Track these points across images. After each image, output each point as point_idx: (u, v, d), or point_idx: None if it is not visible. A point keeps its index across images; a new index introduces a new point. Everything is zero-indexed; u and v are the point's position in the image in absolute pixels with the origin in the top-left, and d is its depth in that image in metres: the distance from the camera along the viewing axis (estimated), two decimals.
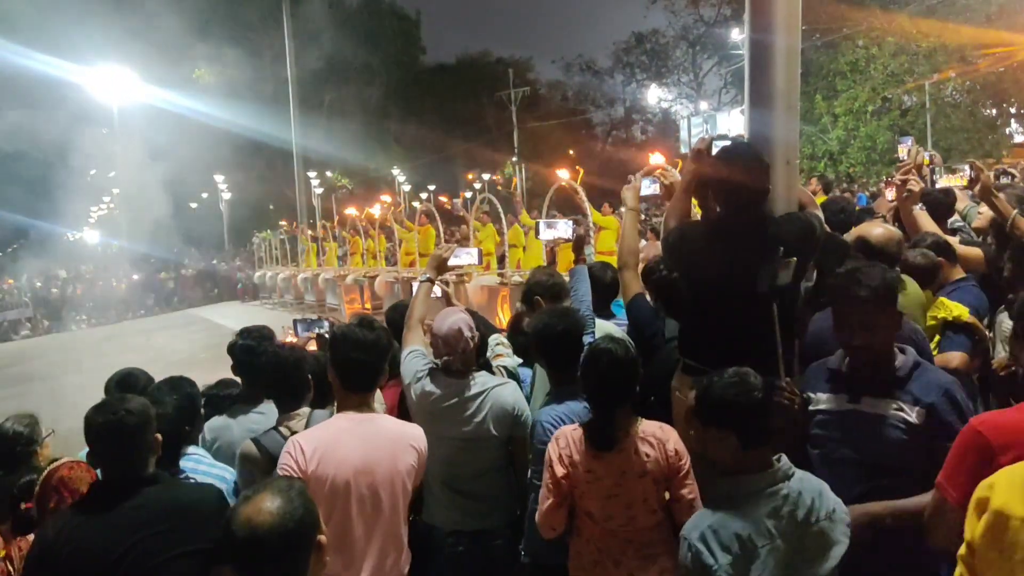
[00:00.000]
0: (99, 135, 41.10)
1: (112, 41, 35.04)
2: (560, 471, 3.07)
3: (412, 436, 3.11)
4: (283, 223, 28.89)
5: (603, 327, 3.79)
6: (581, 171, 19.51)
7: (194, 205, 49.00)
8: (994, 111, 32.21)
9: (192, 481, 3.25)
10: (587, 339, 3.55)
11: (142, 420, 2.73)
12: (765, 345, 3.35)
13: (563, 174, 16.80)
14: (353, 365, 3.07)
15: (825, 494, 2.62)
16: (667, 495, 3.09)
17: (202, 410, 3.74)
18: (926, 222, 4.52)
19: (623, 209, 4.55)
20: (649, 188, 4.19)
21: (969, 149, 28.57)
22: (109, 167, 43.47)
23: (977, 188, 4.23)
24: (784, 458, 2.65)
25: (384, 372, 3.15)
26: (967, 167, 4.31)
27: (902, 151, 4.66)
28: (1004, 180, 5.26)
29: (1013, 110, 33.22)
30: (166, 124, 37.22)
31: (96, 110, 38.25)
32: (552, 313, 3.54)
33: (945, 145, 27.84)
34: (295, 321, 4.36)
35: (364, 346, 3.04)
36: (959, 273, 4.11)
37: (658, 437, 3.09)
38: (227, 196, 43.84)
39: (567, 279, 4.19)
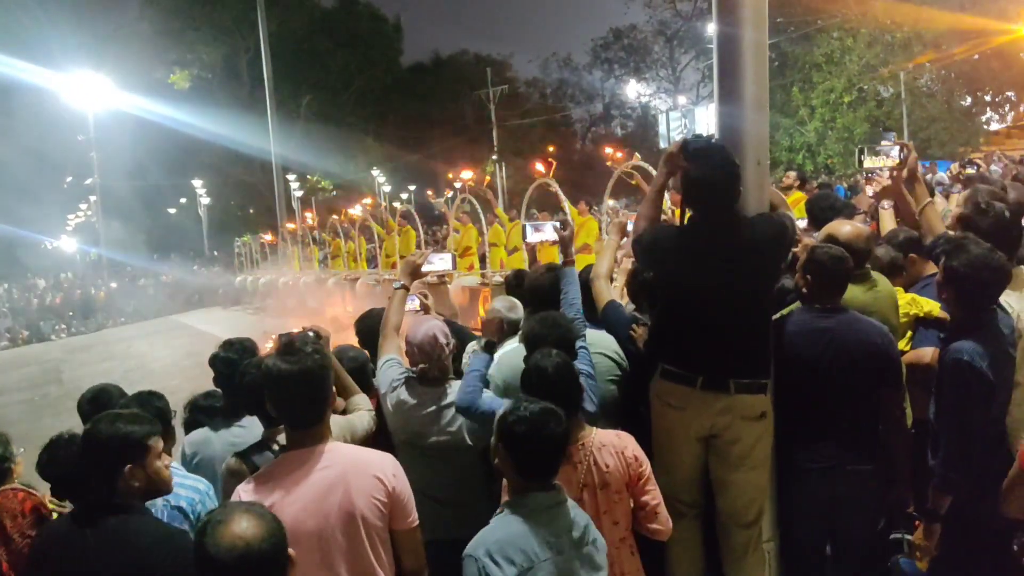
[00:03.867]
0: (74, 142, 40.78)
1: (86, 47, 34.82)
2: None
3: (372, 464, 2.72)
4: (269, 236, 28.66)
5: (595, 338, 3.69)
6: (554, 164, 19.53)
7: (172, 211, 48.69)
8: (969, 99, 32.49)
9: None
10: (579, 344, 3.45)
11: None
12: (746, 346, 3.38)
13: (540, 168, 16.81)
14: (280, 402, 2.75)
15: (591, 524, 2.74)
16: (631, 503, 3.06)
17: (172, 422, 3.69)
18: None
19: (604, 222, 4.59)
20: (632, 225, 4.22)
21: (947, 139, 28.81)
22: (85, 174, 43.10)
23: (904, 171, 4.25)
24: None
25: (324, 399, 2.76)
26: (895, 148, 4.29)
27: (885, 143, 4.62)
28: (970, 170, 5.27)
29: (988, 98, 33.52)
30: (142, 130, 36.97)
31: (71, 116, 37.93)
32: (543, 322, 3.40)
33: (924, 136, 28.06)
34: (280, 336, 4.30)
35: (286, 380, 2.68)
36: (931, 269, 4.13)
37: (616, 445, 3.06)
38: (206, 201, 43.55)
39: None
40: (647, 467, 3.07)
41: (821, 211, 4.95)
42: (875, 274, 3.87)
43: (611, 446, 3.05)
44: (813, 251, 3.52)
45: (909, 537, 3.51)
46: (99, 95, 35.08)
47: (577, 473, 3.00)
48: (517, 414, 2.67)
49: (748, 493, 3.44)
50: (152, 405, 3.66)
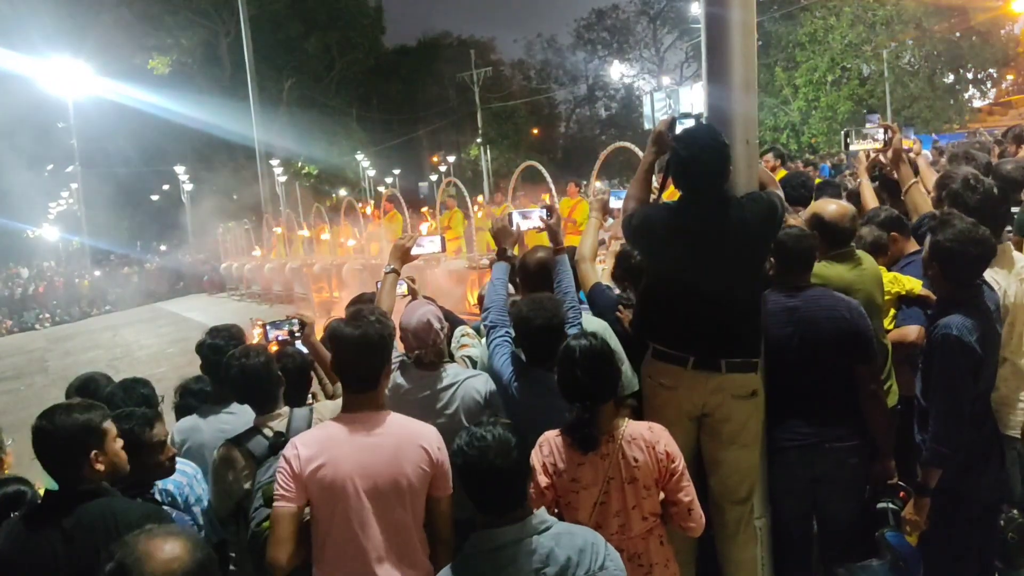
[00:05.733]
0: (55, 129, 40.37)
1: (64, 33, 34.37)
2: (544, 481, 2.93)
3: (421, 436, 2.90)
4: (254, 220, 28.50)
5: (589, 324, 3.65)
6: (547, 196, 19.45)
7: (155, 198, 48.33)
8: (952, 77, 32.61)
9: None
10: (572, 330, 3.42)
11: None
12: (737, 325, 3.40)
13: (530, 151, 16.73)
14: (342, 365, 2.96)
15: (590, 551, 2.45)
16: (662, 496, 2.97)
17: (159, 408, 3.69)
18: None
19: (590, 202, 4.58)
20: (617, 201, 4.20)
21: (931, 116, 28.94)
22: (66, 161, 42.71)
23: (889, 153, 4.26)
24: (541, 511, 2.52)
25: (379, 366, 2.94)
26: (881, 131, 4.30)
27: (869, 126, 4.64)
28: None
29: (970, 75, 33.66)
30: (123, 116, 36.62)
31: (51, 103, 37.53)
32: (531, 305, 3.39)
33: (907, 114, 28.17)
34: (265, 325, 4.28)
35: (348, 344, 2.89)
36: (913, 246, 4.16)
37: (647, 439, 2.94)
38: (189, 188, 43.26)
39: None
40: (680, 463, 2.95)
41: (793, 189, 5.02)
42: (860, 252, 3.90)
43: (642, 439, 2.94)
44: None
45: (894, 507, 3.54)
46: (78, 81, 34.74)
47: (604, 465, 2.92)
48: (462, 442, 2.48)
49: (740, 471, 3.47)
50: (138, 392, 3.66)
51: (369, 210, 19.91)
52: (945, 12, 27.60)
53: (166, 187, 47.22)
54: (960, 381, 3.16)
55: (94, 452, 2.66)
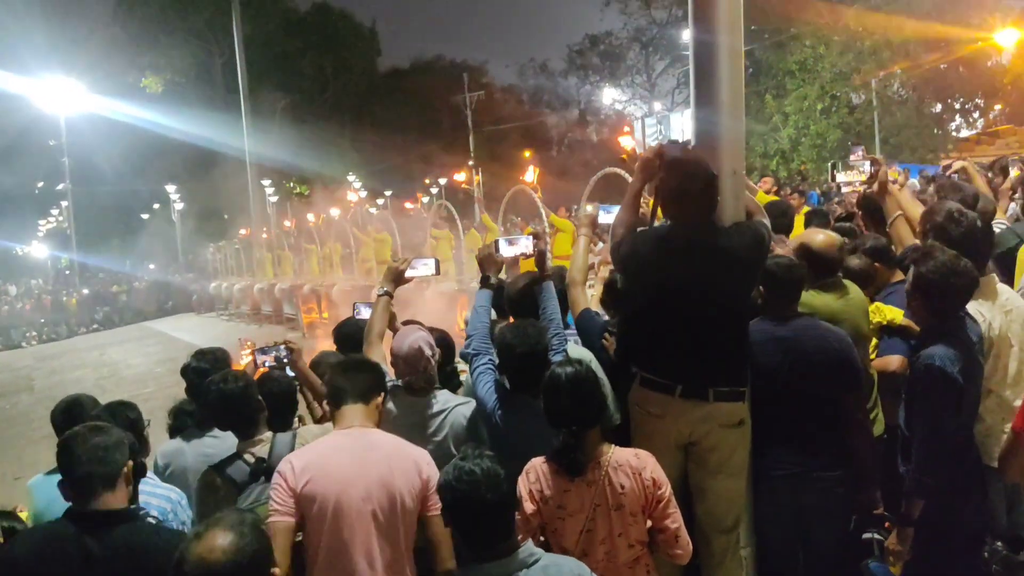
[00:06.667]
0: (46, 146, 40.30)
1: (57, 51, 34.42)
2: (530, 508, 2.92)
3: (414, 454, 2.97)
4: (243, 231, 28.50)
5: (576, 353, 3.67)
6: (538, 171, 19.56)
7: (146, 216, 48.23)
8: (939, 107, 32.92)
9: (157, 522, 3.17)
10: (557, 358, 3.45)
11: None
12: (725, 354, 3.41)
13: (529, 176, 16.80)
14: (336, 380, 3.07)
15: None
16: (648, 524, 2.96)
17: (145, 432, 3.67)
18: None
19: (578, 219, 4.58)
20: (607, 217, 4.20)
21: (918, 145, 29.17)
22: (57, 179, 42.61)
23: (875, 185, 4.30)
24: (528, 544, 2.51)
25: (371, 388, 3.06)
26: (867, 163, 4.36)
27: (854, 158, 4.70)
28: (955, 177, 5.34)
29: (958, 105, 33.99)
30: (115, 135, 36.60)
31: (42, 121, 37.49)
32: (515, 332, 3.42)
33: (894, 142, 28.40)
34: (254, 352, 4.29)
35: (341, 363, 3.04)
36: (896, 276, 4.19)
37: (633, 465, 2.94)
38: (179, 207, 43.19)
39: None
40: (666, 490, 2.95)
41: (774, 218, 5.03)
42: (846, 282, 3.93)
43: (628, 466, 2.94)
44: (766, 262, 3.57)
45: (880, 537, 3.55)
46: (71, 99, 34.73)
47: (591, 492, 2.91)
48: (450, 477, 2.45)
49: (727, 500, 3.47)
50: (125, 415, 3.63)
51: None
52: (933, 42, 27.89)
53: (156, 205, 47.13)
54: (943, 412, 3.18)
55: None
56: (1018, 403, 3.51)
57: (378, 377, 3.15)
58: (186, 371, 4.22)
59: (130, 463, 2.65)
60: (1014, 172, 5.82)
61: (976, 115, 35.18)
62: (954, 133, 33.18)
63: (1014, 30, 24.24)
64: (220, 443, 3.79)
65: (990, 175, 6.79)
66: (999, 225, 4.90)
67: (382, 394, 3.16)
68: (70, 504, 2.60)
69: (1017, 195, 5.50)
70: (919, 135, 29.46)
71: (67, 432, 2.65)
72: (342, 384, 3.03)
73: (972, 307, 3.41)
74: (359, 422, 2.98)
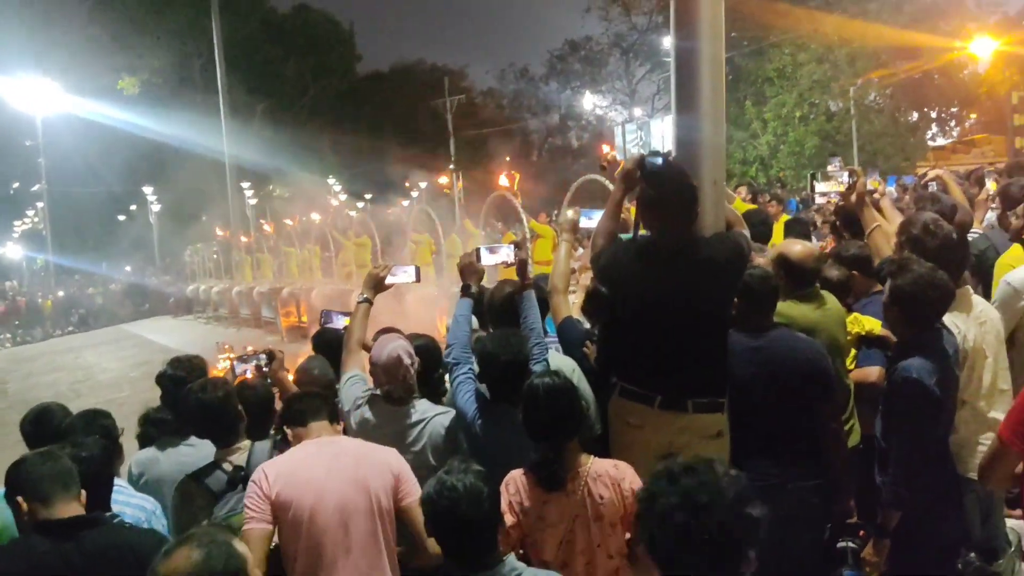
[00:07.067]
0: (22, 147, 39.87)
1: (33, 51, 34.07)
2: (510, 520, 2.89)
3: (385, 457, 3.06)
4: (220, 232, 28.32)
5: (555, 362, 3.68)
6: (518, 176, 19.58)
7: (122, 218, 47.79)
8: (916, 115, 33.31)
9: (127, 524, 3.14)
10: (538, 368, 3.44)
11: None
12: (704, 366, 3.41)
13: (503, 181, 16.82)
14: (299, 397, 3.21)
15: None
16: (627, 535, 2.92)
17: (119, 440, 3.64)
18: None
19: (559, 224, 4.57)
20: (588, 222, 4.19)
21: (893, 153, 29.49)
22: (33, 180, 42.13)
23: (853, 196, 4.34)
24: (510, 558, 2.49)
25: (333, 412, 3.21)
26: (846, 174, 4.39)
27: (832, 169, 4.75)
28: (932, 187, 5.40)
29: (934, 114, 34.40)
30: (91, 135, 36.28)
31: (18, 121, 37.08)
32: (496, 341, 3.42)
33: (870, 150, 28.69)
34: (232, 360, 4.26)
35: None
36: (876, 286, 4.22)
37: (613, 476, 2.94)
38: (156, 208, 42.83)
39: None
40: None
41: (753, 227, 5.06)
42: (823, 292, 3.95)
43: (607, 476, 2.94)
44: None
45: (854, 546, 3.56)
46: (47, 100, 34.40)
47: (571, 503, 2.91)
48: (432, 491, 2.43)
49: None
50: (98, 423, 3.59)
51: None
52: (910, 52, 28.21)
53: (133, 207, 46.72)
54: (920, 423, 3.20)
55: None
56: (992, 414, 3.55)
57: (334, 407, 3.31)
58: (162, 379, 4.17)
59: (83, 492, 2.64)
60: (990, 183, 5.89)
61: (952, 124, 35.61)
62: (930, 141, 33.56)
63: (990, 40, 24.53)
64: (196, 452, 3.75)
65: (966, 185, 6.86)
66: (974, 235, 4.95)
67: (341, 423, 3.32)
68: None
69: (995, 204, 5.56)
70: (894, 143, 29.78)
71: (14, 463, 2.65)
72: (303, 407, 3.15)
73: (947, 319, 3.44)
74: (327, 433, 3.07)
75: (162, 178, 41.23)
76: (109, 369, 18.35)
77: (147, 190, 42.44)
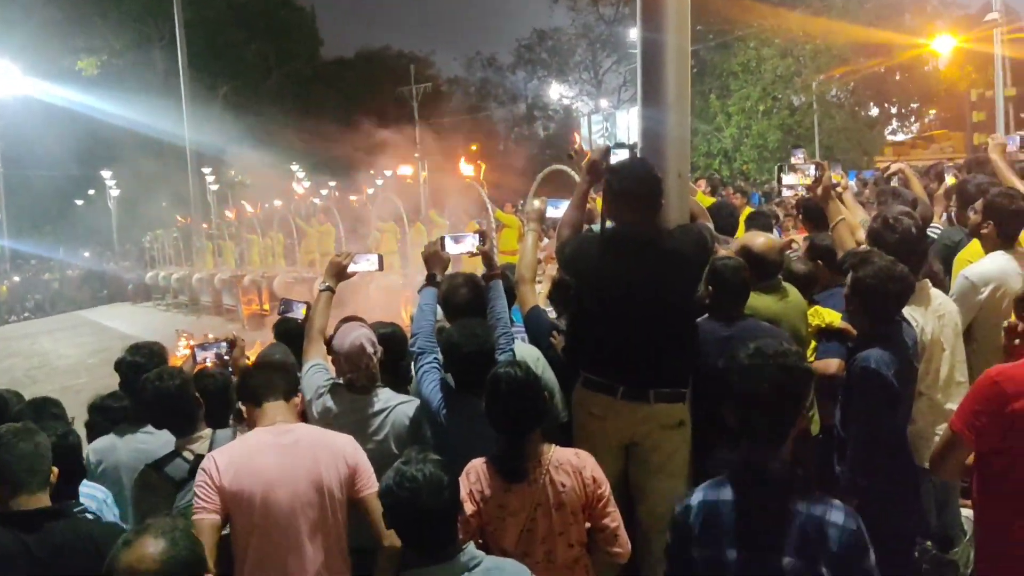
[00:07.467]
0: None
1: None
2: (470, 508, 2.88)
3: (341, 447, 2.98)
4: (180, 218, 27.91)
5: (524, 351, 3.68)
6: (483, 165, 19.49)
7: (80, 202, 46.93)
8: (876, 111, 33.76)
9: (89, 515, 3.10)
10: (505, 359, 3.43)
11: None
12: (666, 356, 3.43)
13: (467, 170, 16.75)
14: (257, 378, 3.08)
15: None
16: (587, 526, 2.98)
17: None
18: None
19: (525, 220, 4.56)
20: (555, 211, 4.19)
21: (851, 147, 29.86)
22: None
23: (819, 189, 4.39)
24: (470, 547, 2.48)
25: (287, 384, 3.09)
26: (812, 167, 4.45)
27: (794, 160, 4.79)
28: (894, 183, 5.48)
29: (894, 110, 34.88)
30: (50, 118, 35.52)
31: None
32: (462, 331, 3.41)
33: (828, 143, 29.03)
34: (194, 349, 4.20)
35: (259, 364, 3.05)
36: (837, 278, 4.26)
37: (574, 465, 2.95)
38: (115, 193, 42.08)
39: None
40: (606, 488, 2.97)
41: (721, 219, 5.12)
42: (786, 284, 3.99)
43: (568, 465, 2.95)
44: (714, 263, 3.62)
45: None
46: (3, 82, 33.58)
47: (532, 492, 2.92)
48: (391, 482, 2.41)
49: (667, 500, 3.47)
50: (48, 412, 3.54)
51: None
52: (872, 48, 28.57)
53: (92, 191, 45.87)
54: (877, 414, 3.25)
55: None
56: (948, 405, 3.61)
57: (294, 378, 3.22)
58: (120, 365, 4.11)
59: (55, 469, 2.61)
60: (949, 178, 5.97)
61: (912, 120, 36.13)
62: (890, 136, 34.04)
63: (950, 37, 24.91)
64: (154, 439, 3.71)
65: (926, 180, 6.96)
66: (934, 230, 5.03)
67: (299, 395, 3.21)
68: None
69: (952, 202, 5.66)
70: (853, 138, 30.15)
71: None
72: (261, 383, 3.05)
73: (906, 312, 3.49)
74: (281, 418, 2.98)
75: (121, 162, 40.49)
76: (66, 356, 18.04)
77: (106, 174, 41.62)
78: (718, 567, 2.30)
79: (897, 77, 31.77)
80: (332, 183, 45.12)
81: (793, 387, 2.29)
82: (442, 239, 4.01)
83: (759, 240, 3.99)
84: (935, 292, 3.87)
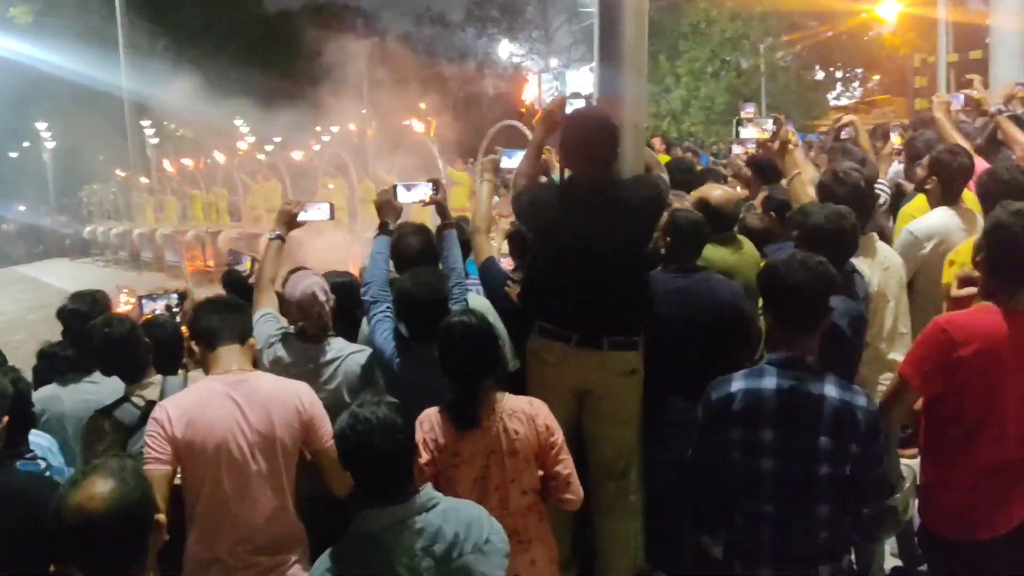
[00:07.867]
0: None
1: None
2: (424, 456, 2.88)
3: (296, 396, 2.93)
4: (120, 172, 27.11)
5: (475, 302, 3.67)
6: (434, 122, 19.28)
7: (14, 155, 45.36)
8: (822, 74, 34.15)
9: (32, 465, 3.03)
10: (457, 308, 3.41)
11: None
12: (620, 304, 3.46)
13: (417, 127, 16.55)
14: (209, 320, 2.99)
15: (476, 525, 2.44)
16: (540, 473, 3.00)
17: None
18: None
19: (479, 172, 4.54)
20: (509, 162, 4.17)
21: (794, 110, 30.22)
22: None
23: (776, 143, 4.45)
24: (427, 488, 2.46)
25: (243, 327, 3.02)
26: (769, 120, 4.50)
27: (744, 115, 4.83)
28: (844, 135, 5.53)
29: (839, 74, 35.33)
30: None
31: None
32: (415, 280, 3.37)
33: (773, 104, 29.31)
34: (140, 298, 4.11)
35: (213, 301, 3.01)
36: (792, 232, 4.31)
37: (527, 412, 2.98)
38: (51, 145, 40.73)
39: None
40: (559, 436, 2.99)
41: (680, 174, 5.16)
42: (741, 237, 4.04)
43: (522, 413, 2.97)
44: (673, 214, 3.65)
45: None
46: None
47: (486, 439, 2.92)
48: (345, 425, 2.38)
49: (618, 446, 3.55)
50: None
51: None
52: (818, 14, 28.82)
53: (26, 144, 44.35)
54: (830, 362, 3.31)
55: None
56: (892, 355, 3.71)
57: (248, 318, 3.14)
58: (62, 313, 4.00)
59: (5, 418, 2.52)
60: (895, 137, 6.08)
61: (856, 84, 36.63)
62: (834, 101, 34.49)
63: (895, 3, 25.20)
64: (99, 388, 3.64)
65: (871, 140, 7.07)
66: (880, 187, 5.12)
67: (253, 337, 3.12)
68: None
69: (901, 157, 5.76)
70: (797, 101, 30.46)
71: None
72: (215, 324, 2.95)
73: (855, 263, 3.56)
74: (236, 364, 2.92)
75: (57, 114, 39.19)
76: (3, 312, 17.52)
77: (40, 126, 40.26)
78: (755, 445, 2.70)
79: (843, 41, 32.11)
80: (277, 139, 44.30)
81: (827, 280, 2.73)
82: (394, 187, 3.96)
83: (716, 192, 4.04)
84: (881, 245, 3.95)
